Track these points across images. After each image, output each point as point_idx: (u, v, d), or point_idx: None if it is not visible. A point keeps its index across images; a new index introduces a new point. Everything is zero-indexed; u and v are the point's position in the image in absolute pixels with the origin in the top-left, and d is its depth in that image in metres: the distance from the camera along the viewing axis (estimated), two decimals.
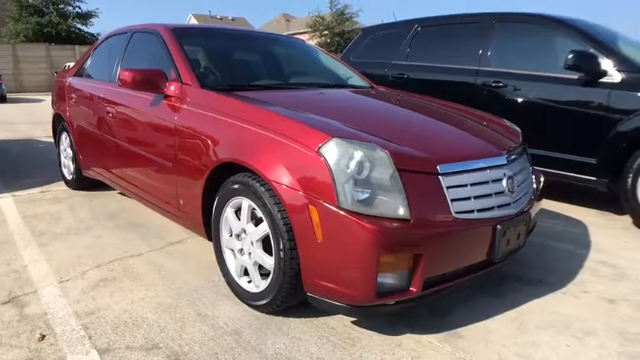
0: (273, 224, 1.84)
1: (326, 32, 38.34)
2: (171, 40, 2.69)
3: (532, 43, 3.70)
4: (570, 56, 3.22)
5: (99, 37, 27.56)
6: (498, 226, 1.90)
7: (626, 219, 3.36)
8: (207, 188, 2.19)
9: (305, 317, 2.01)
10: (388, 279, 1.69)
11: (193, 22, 47.34)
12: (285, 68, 3.10)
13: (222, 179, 2.14)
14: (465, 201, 1.83)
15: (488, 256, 1.94)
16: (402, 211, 1.68)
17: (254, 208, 1.96)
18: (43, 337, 1.84)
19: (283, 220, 1.80)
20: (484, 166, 1.95)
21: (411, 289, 1.73)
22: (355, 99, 2.65)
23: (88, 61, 3.70)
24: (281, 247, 1.81)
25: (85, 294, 2.20)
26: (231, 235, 2.15)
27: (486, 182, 1.93)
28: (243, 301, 2.10)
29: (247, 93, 2.35)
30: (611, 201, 3.56)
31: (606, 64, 3.21)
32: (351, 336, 1.89)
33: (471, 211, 1.84)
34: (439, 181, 1.78)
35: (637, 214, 3.12)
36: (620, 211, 3.47)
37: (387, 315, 1.96)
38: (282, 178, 1.78)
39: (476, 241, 1.87)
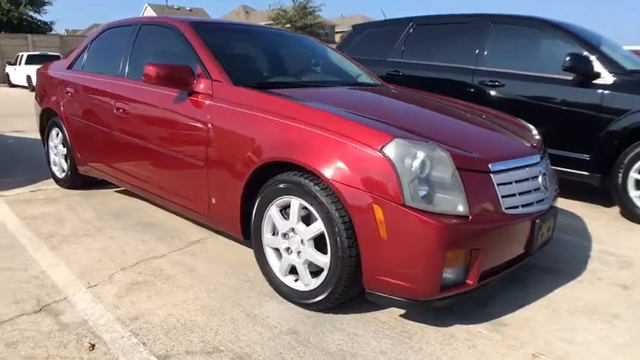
0: (329, 223, 1.86)
1: (288, 25, 38.15)
2: (193, 35, 2.62)
3: (528, 44, 3.89)
4: (568, 58, 3.42)
5: (52, 26, 26.08)
6: (537, 220, 2.01)
7: (614, 210, 3.62)
8: (247, 187, 2.17)
9: (353, 313, 2.04)
10: (449, 273, 1.76)
11: (149, 12, 45.51)
12: (307, 66, 3.09)
13: (261, 178, 2.13)
14: (512, 197, 1.93)
15: (526, 249, 2.05)
16: (461, 208, 1.75)
17: (304, 207, 1.97)
18: (93, 346, 1.77)
19: (342, 218, 1.83)
20: (525, 164, 2.05)
21: (467, 282, 1.81)
22: (387, 98, 2.67)
23: (85, 54, 3.52)
24: (339, 245, 1.84)
25: (120, 299, 2.12)
26: (273, 234, 2.15)
27: (527, 179, 2.04)
28: (289, 300, 2.10)
29: (283, 90, 2.33)
30: (599, 194, 3.82)
31: (599, 66, 3.43)
32: (405, 329, 1.94)
33: (517, 207, 1.94)
34: (491, 178, 1.87)
35: (627, 206, 3.37)
36: (607, 204, 3.74)
37: (438, 308, 2.03)
38: (343, 177, 1.80)
39: (520, 234, 1.97)
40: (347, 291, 1.91)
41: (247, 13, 60.71)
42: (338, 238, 1.84)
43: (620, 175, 3.34)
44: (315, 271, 2.01)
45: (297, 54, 3.14)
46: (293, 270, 2.10)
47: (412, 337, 1.89)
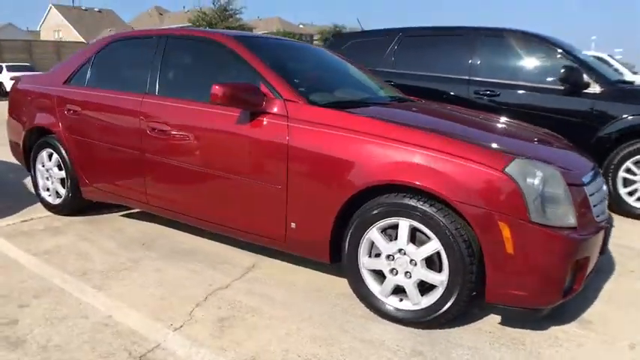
0: (448, 242, 1.90)
1: (207, 28, 37.04)
2: (247, 52, 2.49)
3: (518, 56, 4.21)
4: (562, 70, 3.77)
5: None
6: (608, 225, 2.23)
7: None
8: (341, 211, 2.13)
9: (455, 326, 2.09)
10: (567, 281, 1.89)
11: (54, 13, 41.39)
12: (352, 82, 3.06)
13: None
14: (596, 207, 2.11)
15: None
16: (572, 220, 1.88)
17: (414, 228, 1.99)
18: None
19: (462, 237, 1.88)
20: (595, 175, 2.26)
21: (574, 287, 1.97)
22: (450, 117, 2.70)
23: (89, 69, 3.16)
24: (460, 263, 1.88)
25: (219, 339, 1.97)
26: (370, 256, 2.13)
27: (599, 190, 2.24)
28: (394, 321, 2.09)
29: (363, 110, 2.32)
30: None
31: (587, 77, 3.83)
32: (513, 336, 2.04)
33: (599, 215, 2.13)
34: (585, 191, 2.03)
35: (617, 202, 3.81)
36: None
37: (545, 316, 2.12)
38: (466, 198, 1.85)
39: (600, 241, 2.17)
40: (465, 306, 1.97)
41: (161, 14, 57.88)
42: (459, 256, 1.88)
43: (610, 174, 3.77)
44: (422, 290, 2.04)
45: (337, 70, 3.11)
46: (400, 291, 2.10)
47: (525, 344, 1.99)
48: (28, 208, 3.61)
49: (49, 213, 3.48)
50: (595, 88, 3.80)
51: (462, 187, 1.86)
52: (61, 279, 2.46)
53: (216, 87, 2.22)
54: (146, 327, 2.04)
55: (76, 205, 3.36)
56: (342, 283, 2.47)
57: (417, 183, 1.91)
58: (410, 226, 1.99)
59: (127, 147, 2.85)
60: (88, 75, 3.15)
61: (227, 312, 2.18)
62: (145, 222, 3.37)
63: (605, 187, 2.33)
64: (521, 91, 4.11)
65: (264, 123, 2.31)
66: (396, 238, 2.05)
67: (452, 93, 4.36)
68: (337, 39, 5.52)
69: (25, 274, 2.51)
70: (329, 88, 2.75)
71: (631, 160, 3.69)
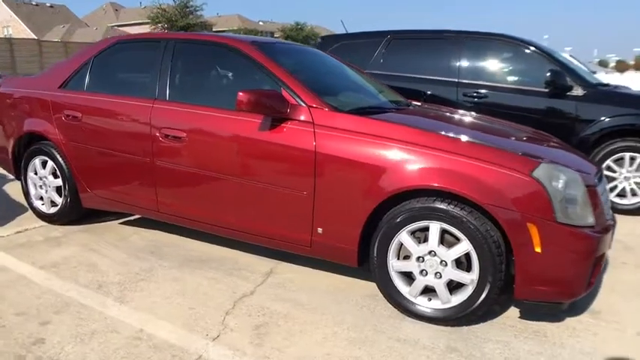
0: (478, 243, 1.99)
1: (167, 25, 36.03)
2: (264, 57, 2.49)
3: (507, 60, 4.41)
4: (548, 74, 3.98)
5: None
6: (613, 224, 2.39)
7: None
8: (371, 215, 2.18)
9: (479, 323, 2.19)
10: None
11: (3, 8, 38.90)
12: (366, 87, 3.09)
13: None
14: (604, 206, 2.27)
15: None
16: (590, 220, 2.02)
17: (444, 230, 2.07)
18: None
19: (491, 237, 1.98)
20: (601, 177, 2.42)
21: (591, 280, 2.11)
22: (469, 123, 2.81)
23: (88, 72, 3.04)
24: (491, 262, 1.98)
25: (259, 347, 1.97)
26: (399, 259, 2.20)
27: (604, 191, 2.40)
28: (423, 320, 2.17)
29: (386, 116, 2.39)
30: None
31: (571, 80, 4.06)
32: (535, 329, 2.16)
33: (606, 214, 2.29)
34: (597, 192, 2.18)
35: None
36: None
37: (565, 309, 2.25)
38: (496, 200, 1.95)
39: (610, 238, 2.32)
40: (492, 304, 2.07)
41: (116, 10, 55.76)
42: (489, 256, 1.98)
43: None
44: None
45: (346, 75, 3.13)
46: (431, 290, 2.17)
47: (547, 335, 2.12)
48: (19, 217, 3.45)
49: (43, 223, 3.34)
50: (578, 91, 4.04)
51: (492, 190, 1.96)
52: (78, 292, 2.38)
53: (242, 93, 2.22)
54: (182, 339, 2.02)
55: (73, 214, 3.24)
56: (362, 285, 2.53)
57: (449, 187, 1.99)
58: (440, 228, 2.07)
59: (135, 154, 2.78)
60: (87, 79, 3.04)
61: (259, 319, 2.19)
62: (146, 229, 3.29)
63: (607, 188, 2.50)
64: (507, 94, 4.30)
65: (289, 129, 2.33)
66: (424, 241, 2.13)
67: (441, 95, 4.50)
68: (326, 40, 5.54)
69: (37, 289, 2.41)
70: (345, 93, 2.79)
71: (611, 158, 3.95)
